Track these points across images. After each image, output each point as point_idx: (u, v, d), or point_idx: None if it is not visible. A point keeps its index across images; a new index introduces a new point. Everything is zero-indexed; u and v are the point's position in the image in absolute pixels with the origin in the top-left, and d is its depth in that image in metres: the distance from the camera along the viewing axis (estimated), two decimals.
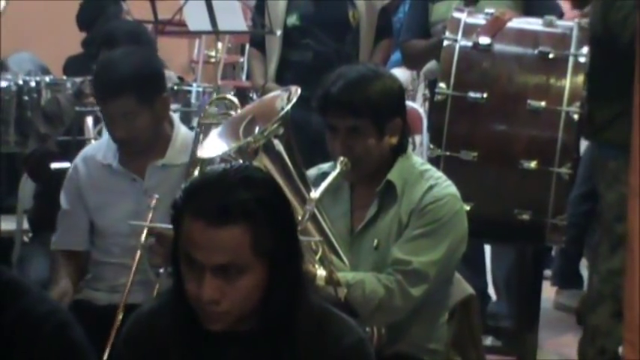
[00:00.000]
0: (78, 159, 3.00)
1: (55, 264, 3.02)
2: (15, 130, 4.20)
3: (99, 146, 2.99)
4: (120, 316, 2.62)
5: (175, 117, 2.99)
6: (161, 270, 2.66)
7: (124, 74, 2.80)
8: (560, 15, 3.78)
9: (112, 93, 2.78)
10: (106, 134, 2.99)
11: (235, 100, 2.97)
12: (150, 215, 2.70)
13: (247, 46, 5.64)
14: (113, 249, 2.90)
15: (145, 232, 2.68)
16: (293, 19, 4.09)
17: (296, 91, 2.53)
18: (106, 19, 4.63)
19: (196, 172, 2.77)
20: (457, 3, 3.79)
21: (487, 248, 4.22)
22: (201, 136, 2.83)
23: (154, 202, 2.72)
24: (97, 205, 2.93)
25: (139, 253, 2.69)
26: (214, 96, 4.09)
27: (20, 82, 4.23)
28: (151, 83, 2.85)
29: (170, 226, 1.84)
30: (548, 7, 3.78)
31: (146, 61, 2.90)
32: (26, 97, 4.22)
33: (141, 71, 2.83)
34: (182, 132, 2.94)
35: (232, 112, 2.90)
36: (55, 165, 3.42)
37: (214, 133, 2.63)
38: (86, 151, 3.03)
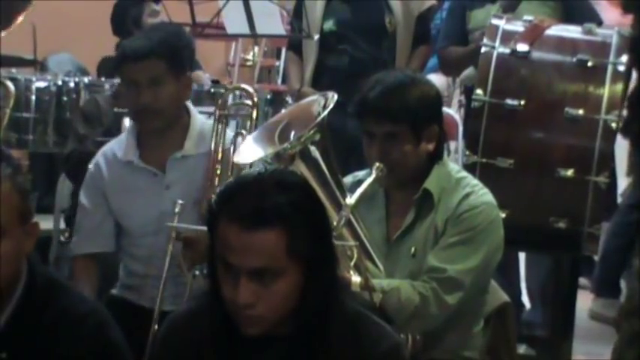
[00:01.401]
0: (99, 156, 2.98)
1: (75, 274, 2.96)
2: (54, 130, 4.24)
3: (119, 144, 2.96)
4: (155, 325, 2.63)
5: (192, 107, 2.99)
6: (197, 272, 2.67)
7: (154, 39, 2.86)
8: (600, 23, 3.76)
9: (143, 54, 2.81)
10: (125, 136, 2.97)
11: (250, 89, 2.98)
12: (175, 220, 2.69)
13: (283, 50, 5.65)
14: (141, 251, 2.89)
15: (172, 236, 2.67)
16: (330, 24, 4.10)
17: (333, 97, 2.53)
18: (129, 22, 4.68)
19: (218, 171, 2.78)
20: (495, 10, 3.77)
21: (521, 256, 4.20)
22: (219, 127, 2.85)
23: (177, 208, 2.71)
24: (120, 206, 2.92)
25: (167, 261, 2.69)
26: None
27: (59, 82, 4.27)
28: (181, 54, 2.89)
29: (204, 228, 1.85)
30: (587, 15, 3.76)
31: (179, 34, 3.02)
32: (65, 98, 4.26)
33: (173, 39, 2.91)
34: (198, 121, 2.94)
35: (248, 102, 2.91)
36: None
37: (250, 138, 2.64)
38: (106, 149, 3.00)
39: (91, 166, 2.98)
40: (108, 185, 2.93)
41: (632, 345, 3.46)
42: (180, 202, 2.72)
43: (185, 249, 2.71)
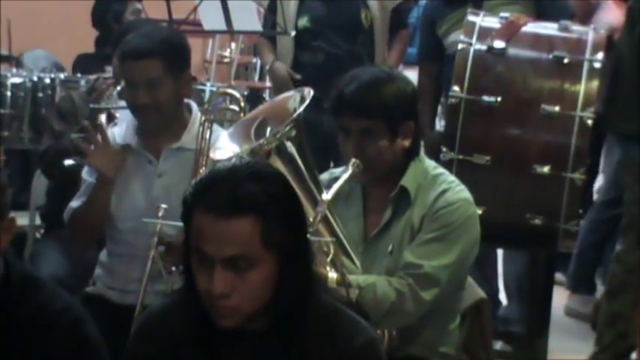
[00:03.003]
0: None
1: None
2: (29, 126, 4.21)
3: (119, 130, 3.02)
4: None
5: (194, 105, 3.03)
6: (173, 268, 2.66)
7: (155, 39, 2.88)
8: (571, 16, 3.77)
9: (141, 55, 2.84)
10: (126, 121, 3.01)
11: (237, 94, 3.00)
12: (158, 228, 2.71)
13: None
14: (125, 236, 2.92)
15: (155, 240, 2.69)
16: (304, 21, 4.10)
17: (309, 92, 2.53)
18: (109, 17, 4.66)
19: (202, 171, 2.79)
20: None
21: (499, 252, 4.21)
22: (207, 133, 2.86)
23: (161, 212, 2.73)
24: (114, 186, 2.95)
25: (149, 263, 2.70)
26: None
27: (35, 78, 4.23)
28: (178, 55, 2.92)
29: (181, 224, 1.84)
30: (559, 11, 3.77)
31: (176, 35, 3.03)
32: (40, 94, 4.23)
33: (171, 40, 2.92)
34: (199, 119, 2.96)
35: (234, 107, 2.93)
36: (68, 162, 3.43)
37: (225, 135, 2.63)
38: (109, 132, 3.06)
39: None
40: None
41: (611, 325, 3.52)
42: (164, 206, 2.74)
43: (167, 254, 2.72)
